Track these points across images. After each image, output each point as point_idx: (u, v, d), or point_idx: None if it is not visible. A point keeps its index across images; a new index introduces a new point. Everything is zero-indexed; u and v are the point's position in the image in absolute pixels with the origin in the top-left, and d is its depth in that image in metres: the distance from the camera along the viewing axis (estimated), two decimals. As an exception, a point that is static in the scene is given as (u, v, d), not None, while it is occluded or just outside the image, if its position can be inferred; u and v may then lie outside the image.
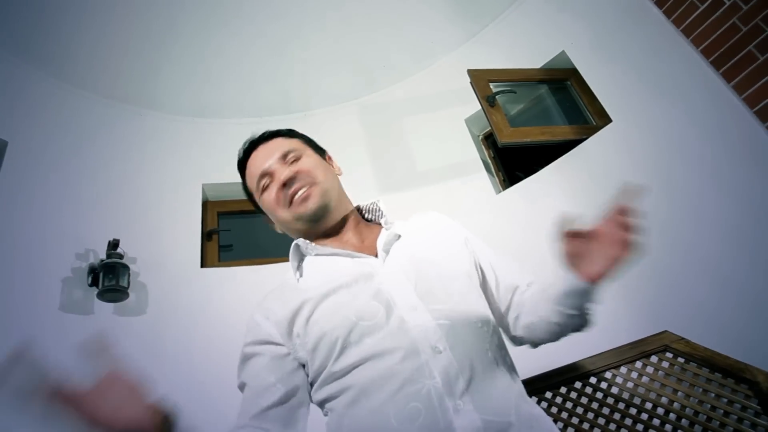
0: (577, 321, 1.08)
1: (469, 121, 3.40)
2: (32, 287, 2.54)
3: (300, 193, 1.18)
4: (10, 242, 2.59)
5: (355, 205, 1.31)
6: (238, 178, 3.63)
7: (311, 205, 1.17)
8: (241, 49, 3.48)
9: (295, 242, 1.21)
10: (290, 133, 1.34)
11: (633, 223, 0.96)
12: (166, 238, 3.04)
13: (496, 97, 2.97)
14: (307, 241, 1.20)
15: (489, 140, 3.42)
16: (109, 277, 2.62)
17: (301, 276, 1.19)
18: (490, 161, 3.34)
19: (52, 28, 3.08)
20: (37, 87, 3.13)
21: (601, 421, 1.86)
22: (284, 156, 1.24)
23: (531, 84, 3.25)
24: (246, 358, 1.14)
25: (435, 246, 1.18)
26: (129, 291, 2.69)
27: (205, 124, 3.65)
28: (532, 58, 3.23)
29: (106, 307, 2.69)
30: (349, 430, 0.98)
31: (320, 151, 1.34)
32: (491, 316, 1.11)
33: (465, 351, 0.98)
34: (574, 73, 3.11)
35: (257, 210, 1.33)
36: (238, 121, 3.69)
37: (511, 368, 1.07)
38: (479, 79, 3.02)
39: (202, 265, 3.07)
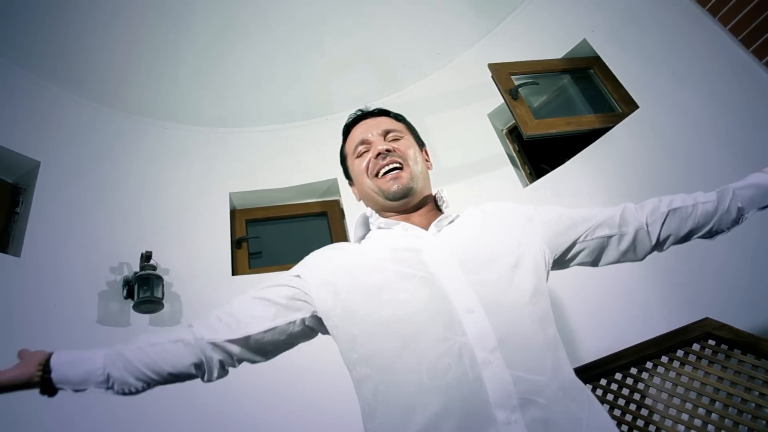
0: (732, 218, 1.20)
1: (492, 116, 3.37)
2: (70, 302, 2.59)
3: (390, 167, 1.25)
4: (46, 259, 2.64)
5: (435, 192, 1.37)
6: (264, 186, 3.67)
7: (398, 186, 1.23)
8: (261, 58, 3.51)
9: (362, 213, 1.30)
10: (398, 117, 1.43)
11: None
12: (197, 248, 3.08)
13: (519, 89, 2.94)
14: (373, 212, 1.30)
15: (513, 134, 3.39)
16: (144, 288, 2.67)
17: (363, 239, 1.29)
18: (515, 155, 3.30)
19: (78, 49, 3.16)
20: (66, 107, 3.21)
21: (645, 412, 1.82)
22: (386, 132, 1.33)
23: (553, 74, 3.21)
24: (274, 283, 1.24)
25: (486, 227, 1.21)
26: (163, 301, 2.73)
27: (228, 134, 3.69)
28: (553, 48, 3.18)
29: (142, 319, 2.73)
30: (386, 395, 1.01)
31: (420, 143, 1.42)
32: (536, 289, 1.11)
33: (499, 312, 1.01)
34: (596, 60, 3.06)
35: (345, 175, 1.42)
36: (261, 129, 3.73)
37: (554, 339, 1.06)
38: (501, 72, 2.99)
39: (234, 273, 3.10)
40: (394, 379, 1.01)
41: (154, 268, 2.79)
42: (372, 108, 1.44)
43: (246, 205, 3.52)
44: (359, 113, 1.43)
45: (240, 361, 1.18)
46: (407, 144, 1.32)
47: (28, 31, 2.98)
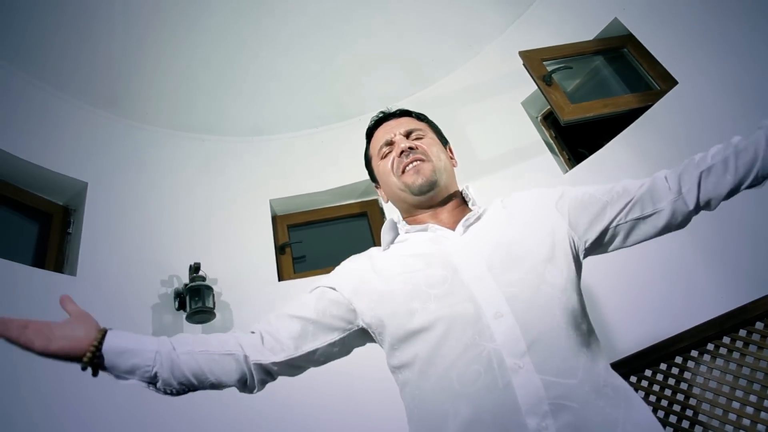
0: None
1: (526, 104, 3.33)
2: (126, 317, 2.66)
3: (414, 164, 1.28)
4: (100, 277, 2.72)
5: (461, 188, 1.38)
6: (302, 190, 3.71)
7: (420, 179, 1.25)
8: (290, 64, 3.54)
9: (390, 218, 1.32)
10: (420, 116, 1.46)
11: None
12: (242, 256, 3.14)
13: (552, 75, 2.90)
14: (402, 221, 1.32)
15: (548, 120, 3.34)
16: (196, 299, 2.73)
17: (392, 243, 1.29)
18: (552, 141, 3.26)
19: (115, 70, 3.25)
20: (107, 127, 3.30)
21: (709, 395, 1.78)
22: (409, 132, 1.36)
23: (585, 57, 3.15)
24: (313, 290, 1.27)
25: (513, 221, 1.20)
26: (215, 311, 2.79)
27: (263, 142, 3.74)
28: (584, 30, 3.13)
29: (195, 329, 2.80)
30: (421, 399, 1.04)
31: (443, 140, 1.44)
32: (567, 284, 1.08)
33: (529, 315, 1.00)
34: (630, 38, 3.00)
35: (371, 178, 1.46)
36: (295, 135, 3.77)
37: (588, 335, 1.05)
38: (532, 59, 2.96)
39: (280, 279, 3.14)
40: (427, 384, 1.03)
41: (203, 278, 2.85)
42: (394, 109, 1.47)
43: (286, 210, 3.56)
44: (381, 115, 1.46)
45: (281, 375, 1.21)
46: (430, 142, 1.35)
47: (65, 55, 3.08)
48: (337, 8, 3.37)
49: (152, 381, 1.10)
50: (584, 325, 1.06)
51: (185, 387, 1.13)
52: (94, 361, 1.05)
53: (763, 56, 2.34)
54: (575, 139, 3.29)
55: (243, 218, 3.32)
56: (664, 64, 2.73)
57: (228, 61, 3.45)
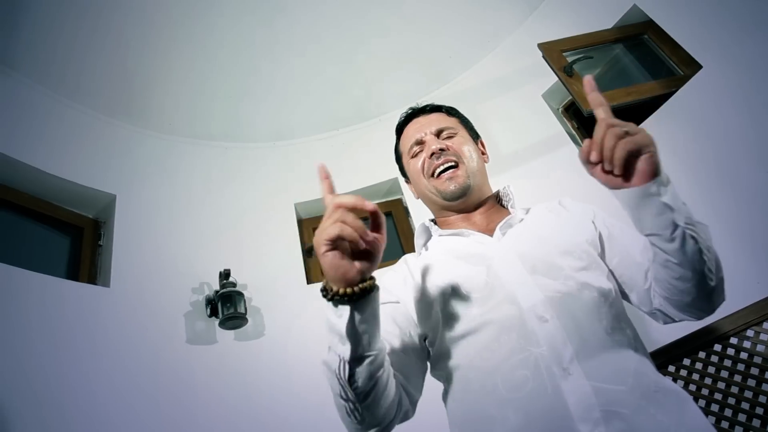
0: (684, 256, 0.96)
1: (546, 96, 3.31)
2: (159, 325, 2.71)
3: (445, 167, 1.26)
4: (133, 287, 2.77)
5: (495, 190, 1.36)
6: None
7: (455, 186, 1.24)
8: (308, 68, 3.57)
9: (422, 223, 1.30)
10: (450, 111, 1.43)
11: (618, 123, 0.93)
12: (270, 261, 3.17)
13: (573, 66, 2.87)
14: (434, 225, 1.28)
15: (570, 111, 3.31)
16: (227, 306, 2.76)
17: (426, 250, 1.27)
18: (574, 132, 3.23)
19: (137, 81, 3.31)
20: (133, 139, 3.36)
21: (751, 382, 1.75)
22: (440, 131, 1.33)
23: (605, 46, 3.11)
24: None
25: (553, 226, 1.18)
26: (246, 316, 2.81)
27: (286, 146, 3.77)
28: (602, 18, 3.09)
29: (228, 335, 2.83)
30: (465, 404, 1.02)
31: (474, 135, 1.41)
32: (610, 288, 1.07)
33: (573, 320, 0.98)
34: (650, 25, 2.95)
35: (402, 173, 1.44)
36: (317, 138, 3.79)
37: (634, 339, 1.03)
38: (552, 51, 2.93)
39: (308, 281, 3.16)
40: (471, 389, 1.01)
41: (234, 284, 2.88)
42: (423, 104, 1.44)
43: (311, 213, 3.59)
44: (410, 111, 1.43)
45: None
46: (461, 140, 1.31)
47: (87, 70, 3.15)
48: (352, 9, 3.38)
49: (356, 358, 0.90)
50: (629, 330, 1.04)
51: (365, 389, 0.93)
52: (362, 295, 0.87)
53: (790, 35, 2.29)
54: (598, 129, 3.25)
55: (269, 223, 3.35)
56: (686, 49, 2.69)
57: (245, 67, 3.48)
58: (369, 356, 0.91)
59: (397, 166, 1.47)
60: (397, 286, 1.19)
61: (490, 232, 1.20)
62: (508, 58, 3.53)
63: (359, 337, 0.89)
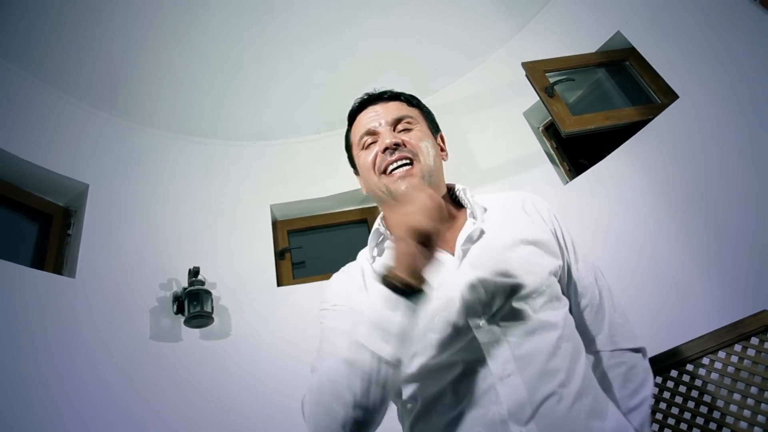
0: None
1: (528, 114, 3.34)
2: (124, 319, 2.68)
3: (399, 164, 1.13)
4: (99, 279, 2.73)
5: (448, 184, 1.25)
6: (303, 196, 3.69)
7: (408, 185, 1.10)
8: (294, 69, 3.57)
9: (375, 228, 1.19)
10: (410, 101, 1.28)
11: None
12: (241, 261, 3.15)
13: (555, 86, 2.91)
14: (383, 228, 1.18)
15: (550, 131, 3.35)
16: (194, 303, 2.73)
17: (379, 256, 1.18)
18: (553, 152, 3.27)
19: (118, 72, 3.27)
20: (110, 129, 3.32)
21: (704, 409, 1.78)
22: (396, 122, 1.20)
23: (588, 69, 3.17)
24: (324, 316, 1.14)
25: (519, 254, 1.08)
26: (213, 315, 2.79)
27: (266, 146, 3.75)
28: (587, 42, 3.14)
29: (193, 333, 2.80)
30: None
31: (435, 129, 1.28)
32: (565, 321, 1.05)
33: (535, 372, 0.93)
34: (632, 52, 3.01)
35: (351, 164, 1.31)
36: (298, 140, 3.78)
37: (589, 380, 1.01)
38: (535, 70, 2.97)
39: (279, 284, 3.15)
40: (431, 427, 0.97)
41: (202, 283, 2.85)
42: (381, 90, 1.28)
43: (287, 216, 3.57)
44: (366, 97, 1.27)
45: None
46: (419, 135, 1.18)
47: (68, 57, 3.11)
48: (341, 14, 3.39)
49: (398, 364, 0.89)
50: (582, 368, 1.01)
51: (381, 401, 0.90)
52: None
53: (763, 72, 2.35)
54: (576, 150, 3.30)
55: (243, 223, 3.33)
56: (665, 78, 2.75)
57: (231, 66, 3.47)
58: (402, 361, 0.89)
59: (346, 155, 1.33)
60: (344, 303, 1.12)
61: (448, 243, 1.10)
62: (493, 74, 3.56)
63: (408, 336, 0.88)
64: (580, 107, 3.19)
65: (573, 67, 3.08)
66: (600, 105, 3.16)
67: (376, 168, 1.16)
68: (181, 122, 3.58)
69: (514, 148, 3.26)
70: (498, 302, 1.00)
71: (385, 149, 1.14)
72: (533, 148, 3.21)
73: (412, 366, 1.01)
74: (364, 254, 1.23)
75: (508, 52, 3.52)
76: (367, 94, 1.28)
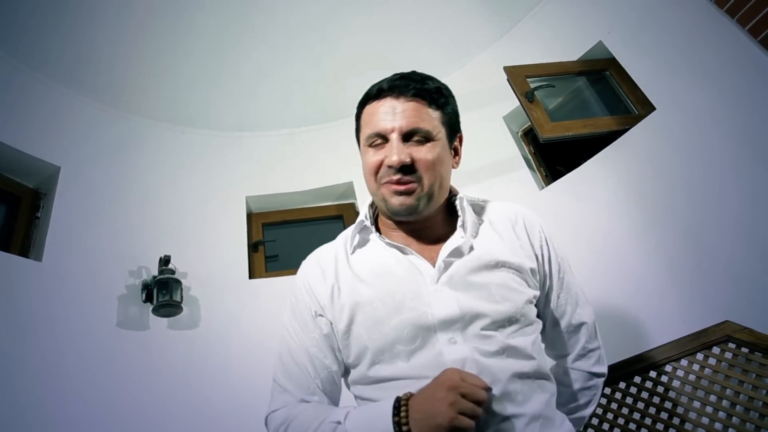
0: None
1: (508, 118, 3.37)
2: (91, 306, 2.63)
3: (401, 184, 1.08)
4: (67, 263, 2.68)
5: (452, 188, 1.21)
6: (280, 189, 3.66)
7: (403, 204, 1.08)
8: (276, 62, 3.54)
9: (362, 221, 1.18)
10: (436, 101, 1.12)
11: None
12: (214, 252, 3.11)
13: (535, 92, 2.93)
14: (372, 228, 1.17)
15: (529, 136, 3.38)
16: (163, 292, 2.69)
17: (359, 247, 1.17)
18: (530, 157, 3.30)
19: (96, 54, 3.20)
20: (85, 112, 3.25)
21: (664, 415, 1.81)
22: (411, 133, 1.09)
23: (569, 77, 3.19)
24: (293, 310, 1.19)
25: (499, 276, 1.08)
26: (182, 305, 2.76)
27: (244, 138, 3.72)
28: (569, 50, 3.17)
29: (161, 322, 2.77)
30: None
31: (453, 132, 1.17)
32: (539, 348, 1.08)
33: (496, 393, 0.95)
34: (612, 62, 3.05)
35: (357, 139, 1.21)
36: (277, 133, 3.76)
37: (550, 402, 1.03)
38: (516, 75, 2.99)
39: (250, 277, 3.12)
40: None
41: (172, 272, 2.82)
42: (409, 75, 1.13)
43: (262, 208, 3.55)
44: (390, 84, 1.12)
45: None
46: (431, 151, 1.08)
47: (47, 38, 3.03)
48: (326, 11, 3.37)
49: None
50: (549, 396, 1.03)
51: None
52: None
53: (737, 89, 2.39)
54: (554, 156, 3.33)
55: (218, 213, 3.30)
56: (643, 90, 2.78)
57: (213, 55, 3.43)
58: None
59: (355, 130, 1.23)
60: (325, 302, 1.13)
61: (432, 252, 1.11)
62: (475, 77, 3.57)
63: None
64: (559, 114, 3.21)
65: (554, 73, 3.11)
66: (579, 113, 3.19)
67: (378, 177, 1.11)
68: (159, 110, 3.53)
69: (492, 151, 3.28)
70: (469, 322, 1.01)
71: (390, 166, 1.08)
72: (511, 152, 3.23)
73: (376, 371, 1.02)
74: (343, 238, 1.21)
75: (491, 55, 3.54)
76: (389, 81, 1.13)
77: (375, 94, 1.14)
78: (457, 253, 1.09)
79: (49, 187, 2.98)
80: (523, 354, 1.01)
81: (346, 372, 1.14)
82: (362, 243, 1.18)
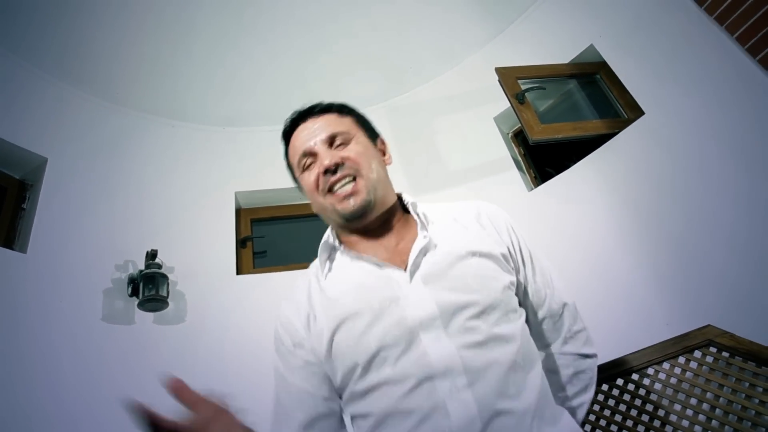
0: None
1: (498, 119, 3.38)
2: (75, 299, 2.61)
3: (343, 183, 1.11)
4: (52, 256, 2.66)
5: (397, 192, 1.23)
6: (269, 185, 3.66)
7: (354, 203, 1.10)
8: (268, 57, 3.52)
9: (325, 240, 1.17)
10: (343, 110, 1.23)
11: None
12: (202, 247, 3.10)
13: (526, 94, 2.94)
14: (336, 242, 1.16)
15: (519, 137, 3.40)
16: (149, 287, 2.68)
17: (329, 271, 1.15)
18: (520, 158, 3.31)
19: (85, 45, 3.17)
20: (73, 103, 3.22)
21: (645, 418, 1.82)
22: (332, 138, 1.16)
23: (560, 79, 3.21)
24: (278, 353, 1.15)
25: (473, 264, 1.07)
26: (168, 300, 2.74)
27: (235, 133, 3.70)
28: (560, 53, 3.19)
29: (147, 317, 2.75)
30: None
31: (373, 135, 1.25)
32: (520, 332, 1.05)
33: (486, 386, 0.93)
34: (603, 66, 3.06)
35: (295, 183, 1.27)
36: (268, 129, 3.73)
37: (544, 392, 1.02)
38: (507, 77, 3.00)
39: (238, 272, 3.11)
40: None
41: (159, 266, 2.80)
42: (310, 105, 1.24)
43: (251, 204, 3.54)
44: (295, 115, 1.24)
45: None
46: (358, 148, 1.15)
47: (36, 28, 2.99)
48: (322, 8, 3.37)
49: None
50: (538, 380, 1.01)
51: None
52: None
53: (725, 96, 2.42)
54: (543, 158, 3.34)
55: (206, 208, 3.28)
56: (633, 94, 2.80)
57: (205, 48, 3.41)
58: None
59: (290, 175, 1.30)
60: (302, 333, 1.11)
61: (401, 256, 1.10)
62: (468, 77, 3.58)
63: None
64: (549, 116, 3.23)
65: (545, 76, 3.12)
66: (569, 115, 3.21)
67: (320, 189, 1.14)
68: (149, 102, 3.51)
69: (482, 151, 3.29)
70: (450, 317, 0.99)
71: (326, 171, 1.12)
72: (501, 153, 3.24)
73: (364, 382, 1.00)
74: (314, 268, 1.20)
75: (484, 56, 3.55)
76: (296, 111, 1.25)
77: (290, 127, 1.24)
78: (425, 252, 1.08)
79: (35, 178, 2.95)
80: (511, 342, 0.99)
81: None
82: (331, 267, 1.17)
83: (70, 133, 3.11)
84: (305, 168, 1.18)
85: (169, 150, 3.46)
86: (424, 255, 1.08)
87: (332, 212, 1.14)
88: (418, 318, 1.00)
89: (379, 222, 1.15)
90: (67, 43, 3.12)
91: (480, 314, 1.00)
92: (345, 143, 1.16)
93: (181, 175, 3.37)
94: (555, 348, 1.20)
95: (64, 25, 3.04)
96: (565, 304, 1.21)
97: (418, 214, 1.15)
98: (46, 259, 2.63)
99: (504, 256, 1.12)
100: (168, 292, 2.75)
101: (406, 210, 1.21)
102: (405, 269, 1.06)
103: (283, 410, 1.11)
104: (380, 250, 1.13)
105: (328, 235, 1.18)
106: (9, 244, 2.69)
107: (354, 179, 1.12)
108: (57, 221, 2.79)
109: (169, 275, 2.82)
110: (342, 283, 1.11)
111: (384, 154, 1.25)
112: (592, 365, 1.21)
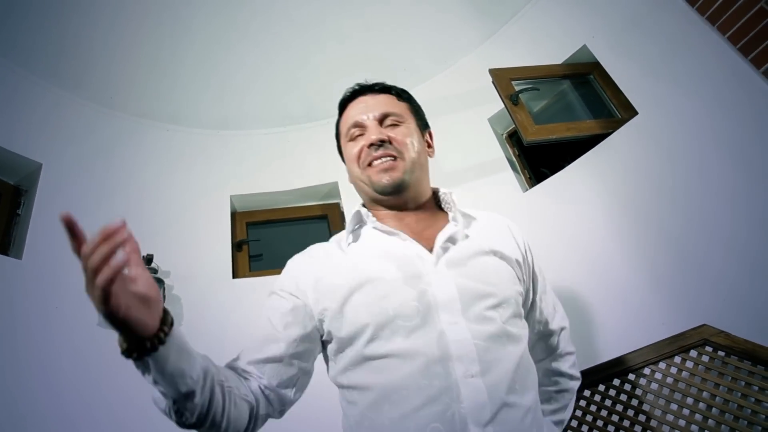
0: None
1: (492, 120, 3.38)
2: (71, 305, 2.59)
3: (383, 160, 1.17)
4: (47, 262, 2.64)
5: (433, 187, 1.29)
6: (264, 189, 3.66)
7: (390, 178, 1.15)
8: (262, 60, 3.52)
9: (356, 210, 1.22)
10: (401, 95, 1.31)
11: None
12: (197, 251, 3.09)
13: (519, 95, 2.95)
14: (369, 213, 1.20)
15: (513, 138, 3.40)
16: (145, 291, 2.67)
17: (354, 241, 1.19)
18: (515, 159, 3.32)
19: (79, 50, 3.16)
20: (67, 108, 3.21)
21: (642, 417, 1.83)
22: (384, 117, 1.22)
23: (553, 80, 3.22)
24: (271, 294, 1.19)
25: (497, 265, 1.13)
26: (165, 304, 2.73)
27: (230, 136, 3.70)
28: (554, 53, 3.20)
29: (143, 321, 2.74)
30: (370, 430, 0.98)
31: (423, 126, 1.32)
32: (524, 335, 1.10)
33: (497, 378, 0.96)
34: (596, 66, 3.07)
35: (339, 152, 1.32)
36: (262, 132, 3.74)
37: (537, 397, 1.06)
38: (501, 78, 3.00)
39: (234, 276, 3.11)
40: (380, 420, 0.96)
41: (155, 271, 2.80)
42: (373, 82, 1.32)
43: (247, 207, 3.53)
44: (357, 87, 1.31)
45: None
46: (405, 131, 1.21)
47: (30, 33, 2.98)
48: (314, 10, 3.36)
49: (179, 398, 0.88)
50: (533, 377, 1.06)
51: (199, 420, 0.92)
52: (156, 344, 0.82)
53: (717, 95, 2.43)
54: (538, 159, 3.35)
55: (202, 212, 3.27)
56: (626, 94, 2.81)
57: (200, 52, 3.40)
58: (193, 390, 0.88)
59: (336, 143, 1.35)
60: (306, 286, 1.13)
61: (426, 241, 1.12)
62: (461, 78, 3.58)
63: (175, 378, 0.85)
64: (543, 117, 3.24)
65: (539, 76, 3.13)
66: (563, 116, 3.21)
67: (361, 161, 1.20)
68: (143, 107, 3.50)
69: (476, 152, 3.29)
70: (470, 303, 1.02)
71: (371, 145, 1.17)
72: (496, 154, 3.25)
73: (370, 348, 1.01)
74: (338, 238, 1.24)
75: (477, 57, 3.55)
76: (358, 84, 1.31)
77: (349, 96, 1.31)
78: (452, 240, 1.13)
79: (30, 184, 2.94)
80: (518, 344, 1.04)
81: (331, 363, 1.13)
82: (356, 237, 1.20)
83: (64, 138, 3.10)
84: (352, 138, 1.24)
85: (164, 154, 3.45)
86: (452, 242, 1.13)
87: (367, 184, 1.20)
88: (440, 297, 1.03)
89: (411, 205, 1.21)
90: (62, 47, 3.11)
91: (496, 306, 1.05)
92: (395, 125, 1.22)
93: (176, 178, 3.36)
94: (545, 363, 1.27)
95: (58, 29, 3.03)
96: (563, 328, 1.29)
97: (452, 203, 1.21)
98: (42, 265, 2.62)
99: (519, 265, 1.18)
100: (164, 297, 2.74)
101: (439, 207, 1.27)
102: (431, 251, 1.11)
103: (250, 341, 1.14)
104: (407, 231, 1.16)
105: (359, 208, 1.23)
106: (4, 250, 2.68)
107: (395, 159, 1.17)
108: (52, 227, 2.76)
109: (165, 280, 2.82)
110: (369, 249, 1.15)
111: (429, 146, 1.32)
112: (574, 387, 1.29)
